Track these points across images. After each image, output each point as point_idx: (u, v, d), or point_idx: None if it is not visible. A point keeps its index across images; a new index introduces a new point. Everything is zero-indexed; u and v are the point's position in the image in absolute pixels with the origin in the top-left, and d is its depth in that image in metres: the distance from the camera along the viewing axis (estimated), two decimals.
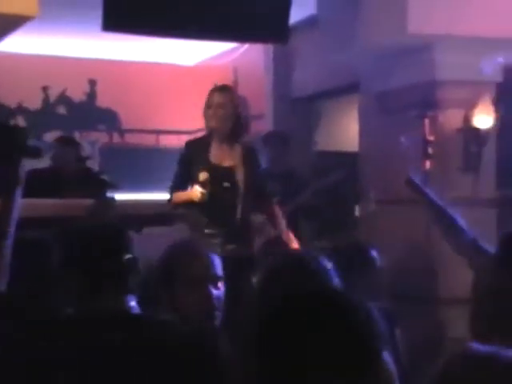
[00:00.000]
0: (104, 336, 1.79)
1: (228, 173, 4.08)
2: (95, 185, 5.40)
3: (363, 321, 1.09)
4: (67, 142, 5.64)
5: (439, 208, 3.13)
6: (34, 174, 5.66)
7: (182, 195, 4.14)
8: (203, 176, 4.03)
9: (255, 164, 4.23)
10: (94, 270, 1.95)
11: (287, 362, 1.05)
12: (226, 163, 4.11)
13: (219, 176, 4.04)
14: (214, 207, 4.02)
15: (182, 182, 4.17)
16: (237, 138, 4.15)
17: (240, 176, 4.09)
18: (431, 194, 3.21)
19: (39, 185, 5.33)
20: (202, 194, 4.03)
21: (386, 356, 1.11)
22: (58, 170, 5.45)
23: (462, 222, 3.05)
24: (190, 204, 4.09)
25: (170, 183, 4.30)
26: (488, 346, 1.18)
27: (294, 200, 5.41)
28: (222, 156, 4.10)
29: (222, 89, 4.21)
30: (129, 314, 1.92)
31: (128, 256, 1.98)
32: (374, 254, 3.47)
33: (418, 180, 3.23)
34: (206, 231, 4.02)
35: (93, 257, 1.96)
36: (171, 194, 4.22)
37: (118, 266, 1.96)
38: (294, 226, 5.53)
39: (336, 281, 2.14)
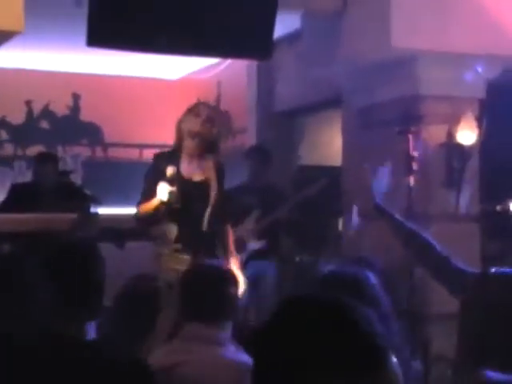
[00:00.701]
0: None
1: (198, 187, 4.00)
2: (78, 199, 5.37)
3: (368, 320, 1.10)
4: (47, 159, 5.61)
5: (409, 231, 2.99)
6: (16, 188, 5.65)
7: (148, 204, 3.89)
8: (170, 171, 3.82)
9: (223, 181, 4.18)
10: (62, 290, 1.98)
11: (288, 361, 1.05)
12: (197, 177, 4.02)
13: (190, 190, 3.93)
14: (184, 222, 3.92)
15: (150, 196, 3.90)
16: (208, 153, 4.05)
17: (213, 190, 4.02)
18: (399, 217, 3.09)
19: (20, 199, 5.31)
20: (171, 192, 3.80)
21: (392, 358, 1.11)
22: (38, 184, 5.42)
23: (434, 242, 2.96)
24: (157, 216, 3.89)
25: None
26: (501, 375, 1.18)
27: (272, 214, 5.41)
28: (193, 170, 4.01)
29: (202, 116, 4.08)
30: (84, 342, 1.95)
31: (96, 278, 2.03)
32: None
33: (383, 204, 3.10)
34: (175, 246, 3.93)
35: (61, 276, 2.00)
36: (137, 208, 4.00)
37: (85, 290, 2.00)
38: (273, 240, 5.53)
39: None
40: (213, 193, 4.00)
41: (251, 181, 5.62)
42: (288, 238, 5.85)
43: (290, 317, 1.10)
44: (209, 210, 3.97)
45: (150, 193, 3.88)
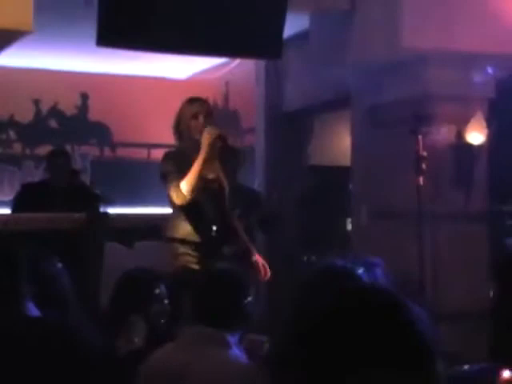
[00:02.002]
0: None
1: (213, 184, 3.96)
2: (88, 199, 5.38)
3: (418, 319, 1.11)
4: (59, 155, 5.61)
5: None
6: (26, 187, 5.66)
7: (194, 167, 3.74)
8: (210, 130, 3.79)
9: (232, 176, 4.14)
10: None
11: (339, 357, 1.06)
12: (210, 175, 3.98)
13: (205, 188, 3.88)
14: (201, 220, 3.88)
15: (182, 175, 3.76)
16: (217, 150, 3.95)
17: (225, 186, 3.98)
18: None
19: (31, 198, 5.32)
20: (213, 134, 3.75)
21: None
22: (49, 183, 5.42)
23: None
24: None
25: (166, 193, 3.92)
26: None
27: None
28: (206, 168, 3.92)
29: (201, 99, 4.04)
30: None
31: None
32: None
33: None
34: (192, 245, 3.87)
35: None
36: (180, 184, 3.77)
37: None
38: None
39: None
40: (226, 190, 3.98)
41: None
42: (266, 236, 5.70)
43: (346, 310, 1.11)
44: (224, 207, 3.95)
45: (181, 173, 3.78)
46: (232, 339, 2.41)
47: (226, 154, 3.98)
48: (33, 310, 2.13)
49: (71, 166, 5.68)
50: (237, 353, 2.40)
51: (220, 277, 2.56)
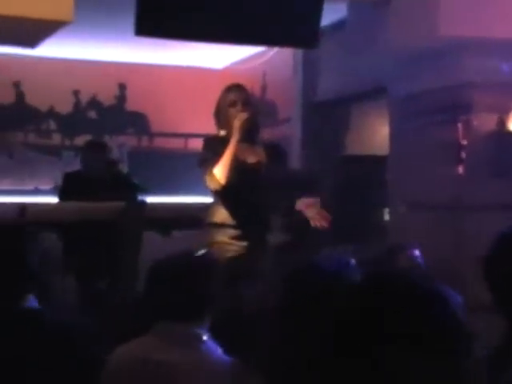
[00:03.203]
0: None
1: (253, 169, 3.92)
2: (126, 188, 5.42)
3: (459, 307, 1.14)
4: (96, 147, 5.66)
5: None
6: (69, 176, 5.73)
7: (226, 152, 3.73)
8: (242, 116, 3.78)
9: (280, 162, 4.11)
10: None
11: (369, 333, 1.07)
12: (251, 159, 3.94)
13: (245, 172, 3.84)
14: (240, 206, 3.85)
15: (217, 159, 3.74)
16: (255, 136, 3.98)
17: (266, 173, 3.94)
18: None
19: (73, 187, 5.39)
20: (245, 117, 3.75)
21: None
22: (88, 173, 5.48)
23: None
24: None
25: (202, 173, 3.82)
26: None
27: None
28: (245, 152, 3.90)
29: (240, 86, 4.01)
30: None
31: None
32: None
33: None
34: (230, 233, 3.85)
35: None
36: (214, 170, 3.74)
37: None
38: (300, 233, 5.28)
39: None
40: (265, 175, 3.95)
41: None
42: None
43: (383, 293, 1.12)
44: (267, 194, 3.93)
45: (218, 156, 3.76)
46: (203, 332, 2.27)
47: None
48: (33, 303, 2.17)
49: (106, 157, 5.69)
50: (211, 346, 2.27)
51: (182, 267, 2.32)
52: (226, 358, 2.26)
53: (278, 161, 4.18)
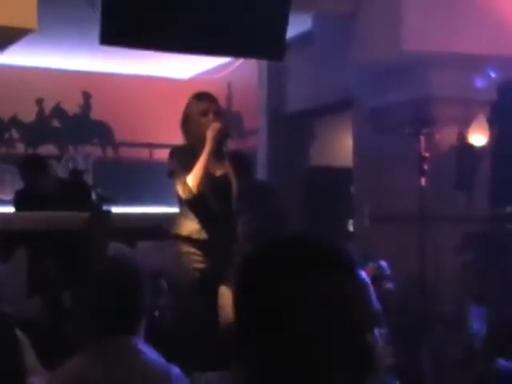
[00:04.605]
0: None
1: (221, 182, 3.87)
2: (90, 199, 5.36)
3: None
4: (33, 164, 5.29)
5: None
6: (17, 194, 5.59)
7: (200, 161, 3.68)
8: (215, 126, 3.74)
9: (246, 173, 4.07)
10: None
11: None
12: (219, 172, 3.88)
13: (213, 185, 3.80)
14: (208, 218, 3.79)
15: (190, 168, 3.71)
16: (223, 148, 3.90)
17: (234, 185, 3.89)
18: None
19: (22, 206, 5.29)
20: (219, 128, 3.70)
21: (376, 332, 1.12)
22: (34, 190, 5.19)
23: None
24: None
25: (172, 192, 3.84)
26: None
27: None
28: (213, 164, 3.83)
29: (211, 96, 3.94)
30: None
31: None
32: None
33: None
34: (196, 244, 3.83)
35: None
36: (187, 179, 3.71)
37: None
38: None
39: None
40: (234, 188, 3.92)
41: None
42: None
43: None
44: (233, 206, 3.90)
45: (189, 165, 3.73)
46: (139, 341, 2.24)
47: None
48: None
49: (48, 171, 5.35)
50: (153, 356, 2.25)
51: (110, 276, 2.25)
52: (168, 365, 2.25)
53: (244, 172, 4.17)
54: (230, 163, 3.94)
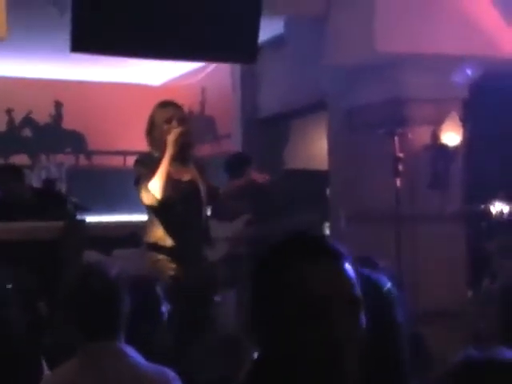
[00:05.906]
0: None
1: (189, 187, 3.84)
2: (64, 208, 5.31)
3: None
4: (8, 173, 5.28)
5: None
6: None
7: (161, 166, 3.64)
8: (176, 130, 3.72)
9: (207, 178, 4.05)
10: None
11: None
12: (186, 177, 3.86)
13: (181, 190, 3.77)
14: (179, 224, 3.76)
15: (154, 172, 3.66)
16: (188, 154, 3.89)
17: (202, 189, 3.88)
18: None
19: (2, 212, 5.22)
20: (180, 132, 3.69)
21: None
22: (8, 199, 5.20)
23: None
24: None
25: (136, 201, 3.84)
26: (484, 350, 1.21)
27: (268, 224, 5.20)
28: (179, 170, 3.82)
29: (175, 103, 3.93)
30: None
31: None
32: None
33: None
34: (165, 256, 3.77)
35: None
36: (149, 185, 3.66)
37: None
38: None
39: None
40: (203, 192, 3.90)
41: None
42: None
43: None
44: (204, 211, 3.89)
45: (153, 173, 3.68)
46: (124, 345, 2.26)
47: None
48: None
49: (23, 180, 5.33)
50: (138, 358, 2.26)
51: (89, 284, 2.28)
52: (163, 368, 2.25)
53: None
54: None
